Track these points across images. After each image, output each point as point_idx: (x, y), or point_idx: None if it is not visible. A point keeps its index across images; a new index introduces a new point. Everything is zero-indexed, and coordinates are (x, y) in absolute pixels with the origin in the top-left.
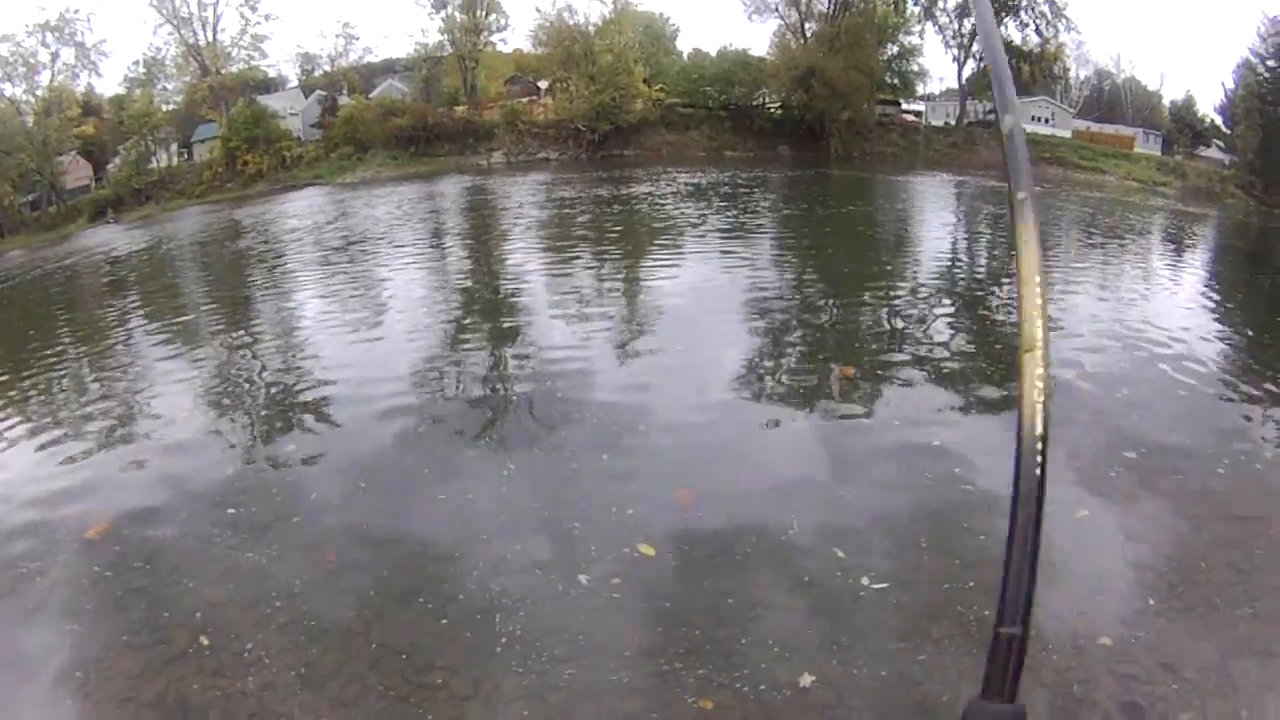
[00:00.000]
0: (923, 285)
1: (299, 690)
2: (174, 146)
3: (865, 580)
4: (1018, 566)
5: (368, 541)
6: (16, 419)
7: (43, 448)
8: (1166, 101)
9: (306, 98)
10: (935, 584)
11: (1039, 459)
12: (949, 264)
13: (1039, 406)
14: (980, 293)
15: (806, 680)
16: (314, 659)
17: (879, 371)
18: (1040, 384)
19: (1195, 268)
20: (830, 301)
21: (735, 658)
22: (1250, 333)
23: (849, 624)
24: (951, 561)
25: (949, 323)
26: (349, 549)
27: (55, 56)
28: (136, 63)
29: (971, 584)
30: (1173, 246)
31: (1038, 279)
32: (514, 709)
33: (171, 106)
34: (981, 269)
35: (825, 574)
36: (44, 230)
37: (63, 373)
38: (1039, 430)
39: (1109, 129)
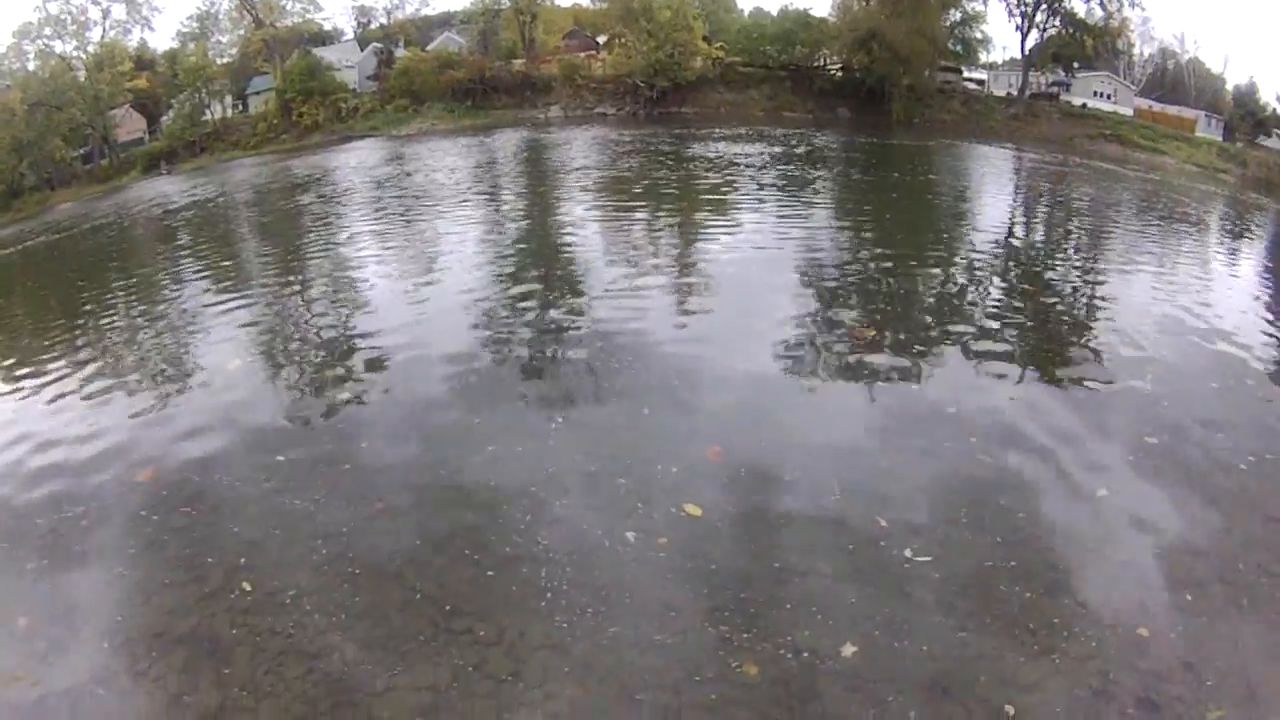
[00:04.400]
0: (975, 258)
1: (327, 630)
2: (228, 99)
3: (908, 552)
4: None
5: (415, 489)
6: (69, 367)
7: (95, 395)
8: (1230, 86)
9: (362, 50)
10: (975, 561)
11: None
12: (1002, 238)
13: None
14: (1031, 269)
15: (849, 650)
16: (346, 600)
17: (923, 343)
18: None
19: (1250, 259)
20: (882, 269)
21: (780, 624)
22: None
23: (892, 596)
24: (992, 539)
25: (997, 299)
26: (397, 496)
27: (106, 14)
28: (190, 17)
29: (1012, 564)
30: (1229, 236)
31: None
32: (536, 657)
33: (226, 60)
34: (1036, 245)
35: (868, 543)
36: (96, 183)
37: (115, 322)
38: None
39: (1171, 110)
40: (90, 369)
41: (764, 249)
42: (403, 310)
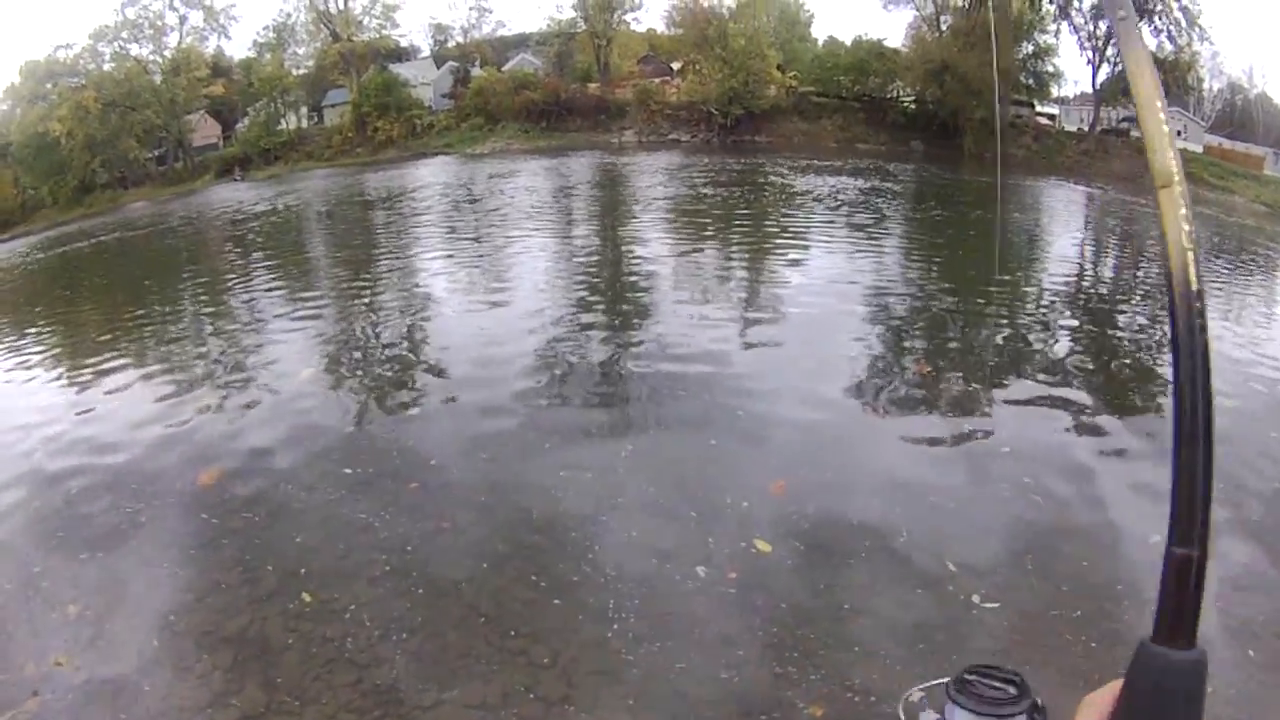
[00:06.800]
0: (1042, 297)
1: (380, 642)
2: (304, 109)
3: (976, 598)
4: (1189, 462)
5: (481, 509)
6: (135, 366)
7: (160, 394)
8: None
9: (438, 68)
10: (1042, 610)
11: (1198, 320)
12: (1071, 278)
13: (1188, 254)
14: (1097, 310)
15: (916, 696)
16: (402, 613)
17: (983, 381)
18: (1186, 226)
19: None
20: (949, 306)
21: (848, 666)
22: None
23: (959, 641)
24: (1057, 588)
25: (1061, 337)
26: (462, 515)
27: (183, 19)
28: (267, 27)
29: (1077, 614)
30: None
31: (1158, 104)
32: (589, 683)
33: (302, 71)
34: (1104, 285)
35: (936, 586)
36: (169, 184)
37: (183, 324)
38: (1192, 284)
39: (1239, 147)
40: (157, 368)
41: (834, 283)
42: (472, 329)
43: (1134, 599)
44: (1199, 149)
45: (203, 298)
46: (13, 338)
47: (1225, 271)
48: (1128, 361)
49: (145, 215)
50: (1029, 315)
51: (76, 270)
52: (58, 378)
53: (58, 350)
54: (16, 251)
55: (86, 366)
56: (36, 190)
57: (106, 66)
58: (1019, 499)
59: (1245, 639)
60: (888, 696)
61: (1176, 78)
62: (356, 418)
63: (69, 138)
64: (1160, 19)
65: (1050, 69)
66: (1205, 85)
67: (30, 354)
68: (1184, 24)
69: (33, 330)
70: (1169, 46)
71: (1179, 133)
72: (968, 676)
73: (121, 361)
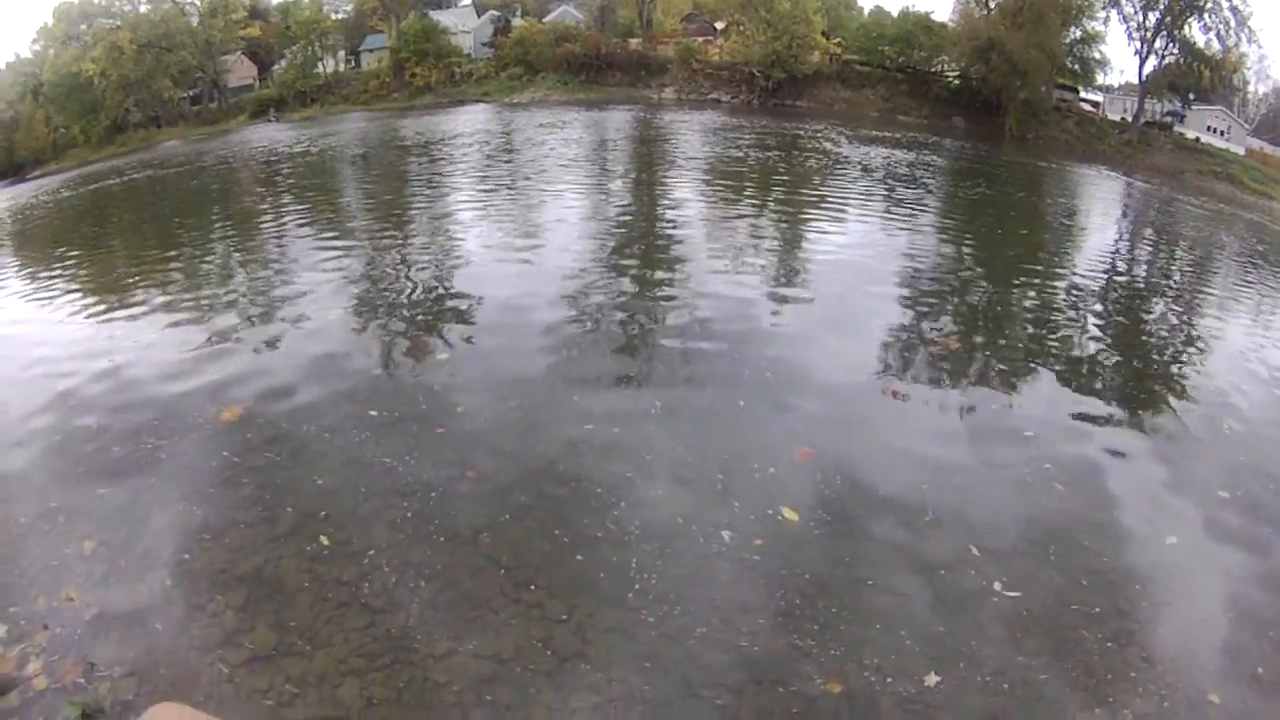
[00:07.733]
0: (1074, 284)
1: (395, 588)
2: (341, 53)
3: (998, 585)
4: None
5: (507, 457)
6: (162, 303)
7: (186, 331)
8: None
9: (479, 16)
10: (1063, 602)
11: None
12: (1104, 268)
13: None
14: (1127, 302)
15: (932, 679)
16: (419, 560)
17: (1009, 363)
18: None
19: None
20: (980, 285)
21: (867, 644)
22: None
23: (979, 628)
24: (1078, 581)
25: (1089, 327)
26: (486, 463)
27: None
28: None
29: (1096, 609)
30: None
31: None
32: (602, 640)
33: (340, 15)
34: (1137, 278)
35: (960, 570)
36: (204, 124)
37: (212, 262)
38: None
39: None
40: (183, 307)
41: (867, 253)
42: (503, 278)
43: (1149, 599)
44: (1241, 151)
45: (233, 238)
46: (41, 274)
47: (1257, 277)
48: (1156, 357)
49: (178, 154)
50: (1063, 302)
51: (106, 208)
52: (84, 314)
53: (85, 287)
54: (47, 188)
55: (113, 304)
56: (68, 129)
57: (143, 8)
58: (1042, 487)
59: (1251, 654)
60: (904, 678)
61: (1222, 77)
62: (383, 361)
63: (103, 78)
64: (1210, 16)
65: (1097, 56)
66: (1251, 88)
67: (57, 290)
68: (1233, 23)
69: (60, 266)
70: (1216, 45)
71: (1221, 133)
72: None
73: (148, 299)
